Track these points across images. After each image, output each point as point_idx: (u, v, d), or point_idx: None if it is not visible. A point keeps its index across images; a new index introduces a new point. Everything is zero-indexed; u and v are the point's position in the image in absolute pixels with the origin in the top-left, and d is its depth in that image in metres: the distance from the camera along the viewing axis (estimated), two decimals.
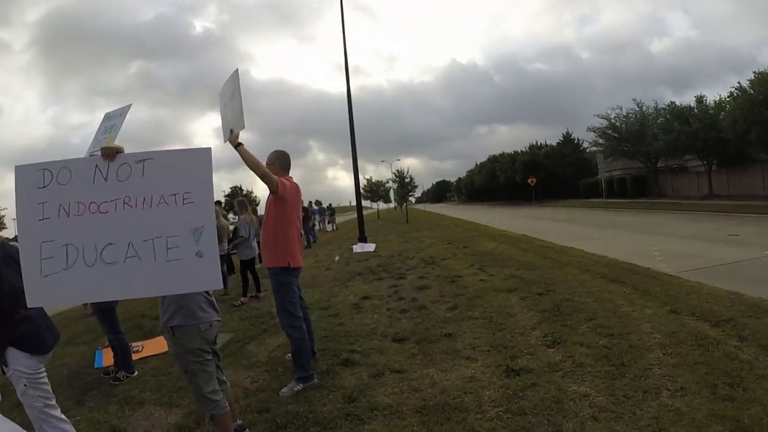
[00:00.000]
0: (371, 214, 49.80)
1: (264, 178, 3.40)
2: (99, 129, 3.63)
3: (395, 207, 57.12)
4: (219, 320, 2.63)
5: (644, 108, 35.61)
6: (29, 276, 2.10)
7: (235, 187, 62.68)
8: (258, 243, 7.34)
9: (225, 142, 3.32)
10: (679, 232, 12.23)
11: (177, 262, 2.09)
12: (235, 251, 7.99)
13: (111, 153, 2.17)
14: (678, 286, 5.65)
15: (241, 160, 3.32)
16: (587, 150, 46.43)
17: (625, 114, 36.42)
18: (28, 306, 2.23)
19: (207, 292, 2.57)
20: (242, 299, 7.29)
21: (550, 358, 3.67)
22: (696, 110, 30.21)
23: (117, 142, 3.48)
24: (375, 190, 50.42)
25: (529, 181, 43.98)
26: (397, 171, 39.91)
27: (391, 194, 48.73)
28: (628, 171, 40.96)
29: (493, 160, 63.20)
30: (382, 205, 57.86)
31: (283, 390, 3.57)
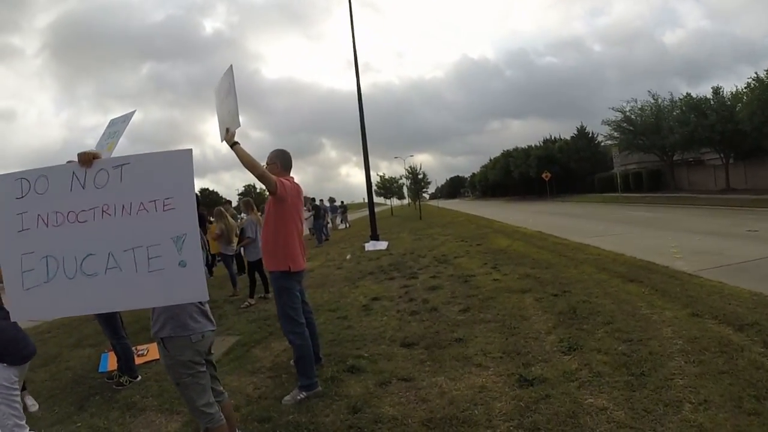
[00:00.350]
0: (385, 210, 49.72)
1: (261, 178, 3.26)
2: (103, 134, 3.57)
3: (409, 203, 56.97)
4: (213, 330, 2.50)
5: (660, 100, 34.97)
6: (11, 290, 2.01)
7: (249, 185, 62.88)
8: None
9: (222, 141, 3.20)
10: (697, 227, 11.98)
11: (159, 273, 1.97)
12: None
13: (87, 159, 2.05)
14: (698, 286, 5.44)
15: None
16: (602, 144, 45.83)
17: (640, 107, 35.81)
18: (12, 320, 2.13)
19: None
20: (249, 301, 7.21)
21: (566, 366, 3.48)
22: (713, 102, 29.49)
23: (119, 147, 3.40)
24: (388, 187, 50.26)
25: (544, 176, 43.52)
26: (410, 167, 39.75)
27: (405, 190, 48.58)
28: (644, 165, 40.29)
29: (507, 155, 62.78)
30: (395, 202, 57.73)
31: (285, 398, 3.46)
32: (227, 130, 3.14)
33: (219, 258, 10.43)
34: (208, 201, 42.95)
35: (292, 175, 3.77)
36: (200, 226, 2.16)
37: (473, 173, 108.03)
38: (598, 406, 2.85)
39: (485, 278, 7.17)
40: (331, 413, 3.17)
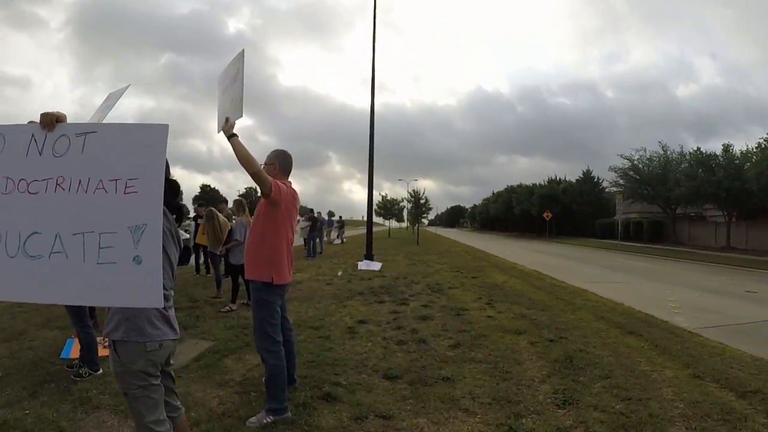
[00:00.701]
0: (382, 231, 49.41)
1: (255, 176, 2.97)
2: (99, 108, 3.40)
3: (407, 227, 56.81)
4: (174, 339, 2.19)
5: (669, 152, 35.10)
6: None
7: (250, 188, 62.46)
8: None
9: (219, 131, 2.96)
10: (696, 283, 11.96)
11: (109, 267, 1.66)
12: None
13: (50, 121, 1.78)
14: (699, 346, 5.25)
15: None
16: (606, 189, 45.85)
17: (648, 156, 35.96)
18: None
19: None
20: (231, 306, 6.87)
21: (560, 422, 3.17)
22: (722, 159, 29.67)
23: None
24: (389, 208, 50.15)
25: (545, 215, 43.39)
26: (413, 191, 39.70)
27: (405, 213, 48.48)
28: (646, 215, 40.35)
29: (511, 190, 62.99)
30: (394, 224, 57.53)
31: (251, 419, 3.12)
32: (227, 119, 2.91)
33: (203, 251, 10.20)
34: (208, 198, 42.66)
35: (290, 180, 3.51)
36: (183, 219, 1.86)
37: (474, 204, 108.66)
38: None
39: (479, 313, 6.87)
40: None
